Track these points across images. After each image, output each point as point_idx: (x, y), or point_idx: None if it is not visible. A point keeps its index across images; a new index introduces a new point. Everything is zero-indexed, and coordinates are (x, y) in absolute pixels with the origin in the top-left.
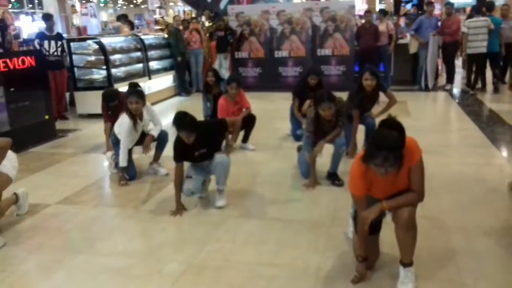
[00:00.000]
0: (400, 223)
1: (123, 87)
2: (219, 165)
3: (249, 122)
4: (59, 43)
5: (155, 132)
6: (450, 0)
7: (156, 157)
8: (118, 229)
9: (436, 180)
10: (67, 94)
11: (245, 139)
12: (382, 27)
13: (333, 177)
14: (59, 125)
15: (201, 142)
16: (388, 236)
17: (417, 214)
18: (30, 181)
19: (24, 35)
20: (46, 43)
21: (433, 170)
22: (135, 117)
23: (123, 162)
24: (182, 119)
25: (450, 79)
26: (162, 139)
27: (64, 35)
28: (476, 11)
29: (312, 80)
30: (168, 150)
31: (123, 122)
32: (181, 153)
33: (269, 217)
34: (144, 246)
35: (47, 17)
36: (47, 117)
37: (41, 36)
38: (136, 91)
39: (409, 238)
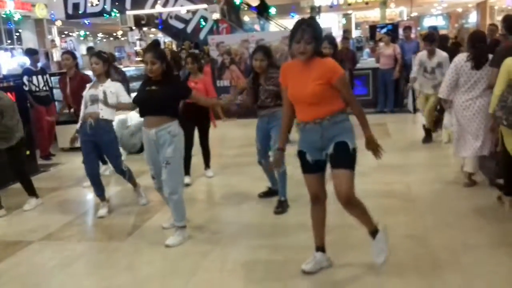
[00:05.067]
0: (338, 196)
1: None
2: (169, 203)
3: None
4: (45, 77)
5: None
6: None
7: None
8: (104, 263)
9: (420, 199)
10: None
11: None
12: (388, 51)
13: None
14: (41, 158)
15: (159, 82)
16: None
17: (402, 234)
18: (11, 218)
19: (4, 71)
20: (34, 78)
21: (416, 189)
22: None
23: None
24: (154, 43)
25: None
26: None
27: None
28: None
29: (257, 61)
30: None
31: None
32: (139, 89)
33: (256, 244)
34: (131, 280)
35: (32, 52)
36: (28, 152)
37: (28, 72)
38: (96, 53)
39: (356, 213)
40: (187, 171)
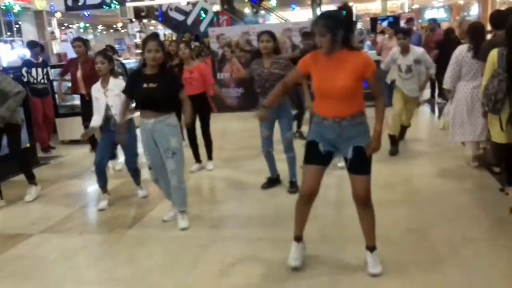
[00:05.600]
0: (358, 199)
1: None
2: (175, 191)
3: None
4: (45, 70)
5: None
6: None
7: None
8: (104, 256)
9: (420, 192)
10: None
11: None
12: (392, 44)
13: (290, 184)
14: (42, 151)
15: (156, 76)
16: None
17: (402, 227)
18: (11, 210)
19: (4, 63)
20: (33, 70)
21: (416, 182)
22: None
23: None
24: (155, 35)
25: (440, 93)
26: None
27: None
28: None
29: (263, 43)
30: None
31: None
32: (131, 84)
33: (257, 237)
34: (132, 272)
35: (33, 44)
36: (28, 145)
37: (28, 63)
38: (101, 52)
39: (368, 216)
40: (197, 159)
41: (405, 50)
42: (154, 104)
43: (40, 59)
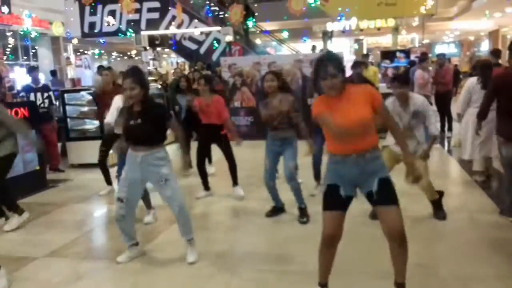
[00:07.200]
0: (392, 235)
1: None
2: (177, 218)
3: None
4: (46, 94)
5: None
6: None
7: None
8: (108, 282)
9: (430, 227)
10: (59, 145)
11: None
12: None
13: (300, 212)
14: (51, 175)
15: (141, 112)
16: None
17: (412, 262)
18: (18, 233)
19: (18, 86)
20: (32, 95)
21: (426, 217)
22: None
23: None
24: (133, 69)
25: (450, 127)
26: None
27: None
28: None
29: (267, 82)
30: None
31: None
32: (120, 119)
33: (262, 268)
34: None
35: (30, 69)
36: (38, 168)
37: (27, 88)
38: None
39: (404, 253)
40: (206, 187)
41: (404, 101)
42: (140, 141)
43: (41, 84)
